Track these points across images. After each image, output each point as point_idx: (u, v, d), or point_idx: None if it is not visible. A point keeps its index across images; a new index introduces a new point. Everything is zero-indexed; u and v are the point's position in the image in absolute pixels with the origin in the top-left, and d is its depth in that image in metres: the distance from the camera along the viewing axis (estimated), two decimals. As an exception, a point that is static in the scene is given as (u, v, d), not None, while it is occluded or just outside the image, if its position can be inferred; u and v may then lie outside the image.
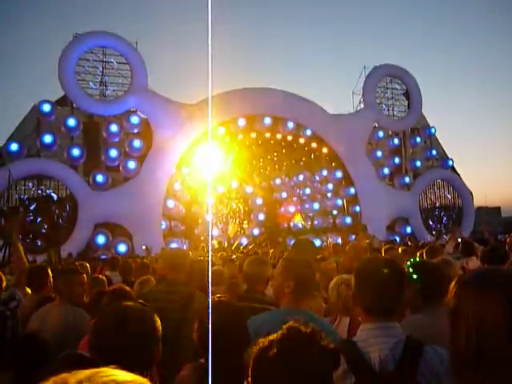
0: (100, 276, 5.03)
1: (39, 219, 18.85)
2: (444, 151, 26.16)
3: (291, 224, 27.48)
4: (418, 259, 4.21)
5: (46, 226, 18.73)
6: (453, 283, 1.33)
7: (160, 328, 1.80)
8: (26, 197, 19.32)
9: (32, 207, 18.94)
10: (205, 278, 3.91)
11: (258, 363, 1.40)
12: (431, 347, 1.93)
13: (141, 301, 2.15)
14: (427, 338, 2.03)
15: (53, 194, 18.99)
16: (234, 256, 10.46)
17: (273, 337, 1.43)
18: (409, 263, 2.96)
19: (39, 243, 17.67)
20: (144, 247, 15.37)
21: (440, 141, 26.28)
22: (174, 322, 3.14)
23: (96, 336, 1.76)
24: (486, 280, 1.28)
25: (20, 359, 2.49)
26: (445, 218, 25.77)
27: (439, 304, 2.42)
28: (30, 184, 19.62)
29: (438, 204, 26.01)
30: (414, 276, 2.71)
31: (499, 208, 31.75)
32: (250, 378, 1.41)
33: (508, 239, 5.79)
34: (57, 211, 19.14)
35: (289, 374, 1.34)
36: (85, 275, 4.02)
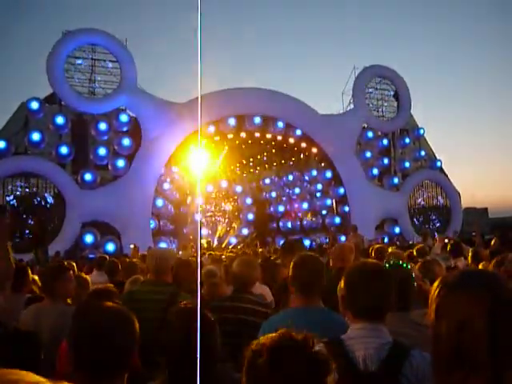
0: (83, 275, 4.97)
1: (26, 218, 18.70)
2: (433, 152, 26.32)
3: (280, 224, 27.56)
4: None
5: (32, 225, 18.59)
6: (436, 283, 1.34)
7: (136, 329, 1.78)
8: (12, 195, 19.16)
9: (18, 206, 18.80)
10: (194, 278, 3.90)
11: (249, 367, 1.41)
12: (419, 352, 1.94)
13: (117, 301, 2.12)
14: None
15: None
16: (223, 256, 10.45)
17: (264, 340, 1.43)
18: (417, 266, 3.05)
19: (26, 242, 17.52)
20: (132, 246, 15.30)
21: (429, 142, 26.45)
22: (156, 321, 3.13)
23: (72, 337, 1.75)
24: (468, 281, 1.28)
25: (11, 357, 2.46)
26: (433, 219, 25.95)
27: (408, 310, 2.62)
28: (18, 182, 19.46)
29: (426, 205, 26.18)
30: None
31: (486, 209, 31.99)
32: (244, 379, 1.42)
33: (493, 241, 5.85)
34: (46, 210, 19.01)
35: (277, 381, 1.34)
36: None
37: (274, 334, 1.45)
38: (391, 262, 3.11)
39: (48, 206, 19.26)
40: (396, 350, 1.94)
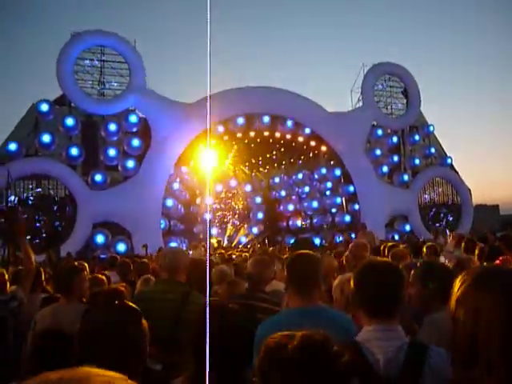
0: (99, 275, 5.02)
1: (38, 219, 18.86)
2: (443, 149, 26.17)
3: (290, 223, 27.54)
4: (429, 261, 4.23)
5: (44, 226, 18.74)
6: (456, 281, 1.34)
7: (145, 326, 1.78)
8: (25, 196, 19.32)
9: (30, 207, 18.95)
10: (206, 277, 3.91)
11: (268, 365, 1.39)
12: (435, 350, 1.92)
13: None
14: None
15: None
16: (233, 256, 10.47)
17: (287, 340, 1.41)
18: (424, 265, 3.03)
19: (38, 243, 17.67)
20: (141, 246, 15.39)
21: (439, 139, 26.30)
22: (169, 321, 3.14)
23: (80, 337, 1.74)
24: (485, 279, 1.29)
25: (42, 357, 2.48)
26: (444, 216, 25.81)
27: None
28: (29, 183, 19.63)
29: (437, 202, 26.05)
30: (429, 277, 2.86)
31: (498, 206, 31.80)
32: (257, 377, 1.41)
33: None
34: (57, 211, 19.16)
35: (301, 381, 1.34)
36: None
37: (287, 333, 1.44)
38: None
39: (59, 207, 19.39)
40: (414, 350, 1.89)
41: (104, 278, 4.90)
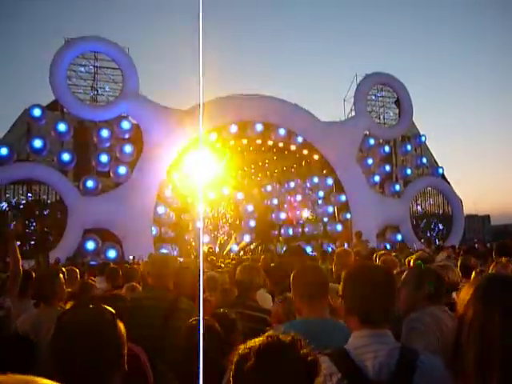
0: (88, 280, 4.98)
1: (28, 224, 18.73)
2: (434, 159, 26.33)
3: (282, 231, 27.51)
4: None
5: (34, 231, 18.61)
6: (464, 291, 1.35)
7: (121, 330, 1.76)
8: (14, 202, 19.19)
9: (21, 213, 18.83)
10: (196, 284, 3.89)
11: (236, 370, 1.41)
12: (426, 356, 1.90)
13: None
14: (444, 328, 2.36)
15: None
16: (222, 264, 10.43)
17: (251, 344, 1.43)
18: (419, 267, 3.13)
19: (28, 248, 17.54)
20: (131, 258, 15.38)
21: (430, 149, 26.46)
22: (156, 328, 3.11)
23: (54, 339, 1.73)
24: (489, 290, 1.30)
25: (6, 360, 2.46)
26: (435, 226, 25.91)
27: (442, 304, 2.96)
28: (20, 188, 19.50)
29: (428, 212, 26.16)
30: (427, 278, 2.98)
31: (489, 216, 31.99)
32: (232, 381, 1.42)
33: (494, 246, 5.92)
34: (46, 216, 19.04)
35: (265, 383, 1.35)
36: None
37: (261, 338, 1.45)
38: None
39: (50, 212, 19.27)
40: (405, 356, 1.86)
41: (93, 283, 4.87)
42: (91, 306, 1.80)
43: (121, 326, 1.75)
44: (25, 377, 0.69)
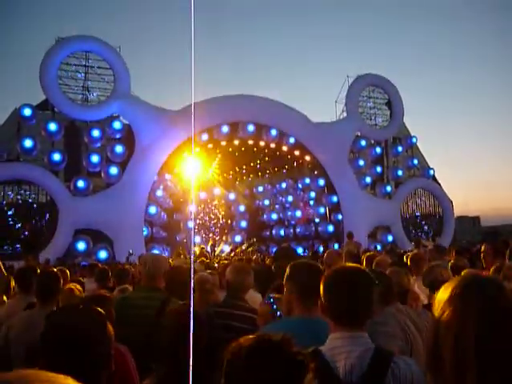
0: (74, 283, 4.92)
1: (18, 225, 18.60)
2: (425, 160, 26.47)
3: (273, 232, 27.55)
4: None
5: (25, 232, 18.48)
6: (441, 291, 1.35)
7: (109, 330, 1.76)
8: (4, 202, 19.04)
9: (11, 212, 18.70)
10: (187, 284, 3.87)
11: (228, 368, 1.42)
12: (401, 358, 1.91)
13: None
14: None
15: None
16: (215, 264, 10.42)
17: (242, 342, 1.44)
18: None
19: (18, 249, 17.42)
20: (131, 251, 15.39)
21: (421, 150, 26.60)
22: (147, 328, 3.11)
23: (42, 339, 1.73)
24: (465, 291, 1.29)
25: None
26: (425, 227, 26.03)
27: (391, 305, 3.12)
28: (9, 189, 19.34)
29: (419, 213, 26.28)
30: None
31: (479, 217, 32.21)
32: (223, 381, 1.43)
33: (483, 247, 5.77)
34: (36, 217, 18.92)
35: (254, 382, 1.36)
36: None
37: (251, 336, 1.47)
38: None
39: (40, 213, 19.14)
40: (378, 357, 1.87)
41: (74, 287, 4.78)
42: (80, 307, 1.80)
43: (109, 326, 1.75)
44: (26, 371, 0.69)
